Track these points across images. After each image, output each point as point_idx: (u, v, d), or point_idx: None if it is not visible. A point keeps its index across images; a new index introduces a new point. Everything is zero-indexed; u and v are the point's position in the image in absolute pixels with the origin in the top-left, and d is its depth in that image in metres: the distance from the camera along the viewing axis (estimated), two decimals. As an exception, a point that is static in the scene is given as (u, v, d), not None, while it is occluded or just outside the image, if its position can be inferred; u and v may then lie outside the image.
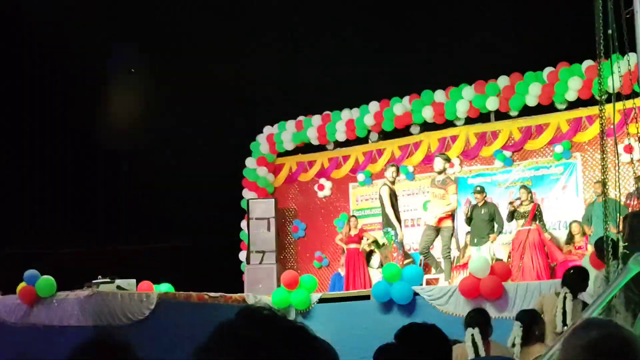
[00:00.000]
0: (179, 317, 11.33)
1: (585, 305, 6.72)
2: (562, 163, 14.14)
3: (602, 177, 6.15)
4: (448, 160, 13.47)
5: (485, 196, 13.44)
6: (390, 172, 13.32)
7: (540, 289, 10.51)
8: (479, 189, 13.46)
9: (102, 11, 16.74)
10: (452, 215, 12.84)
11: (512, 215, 13.00)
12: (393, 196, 13.12)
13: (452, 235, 12.88)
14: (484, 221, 13.11)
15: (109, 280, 11.52)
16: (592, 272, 8.71)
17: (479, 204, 13.28)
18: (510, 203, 13.05)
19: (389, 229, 12.93)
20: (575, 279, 7.00)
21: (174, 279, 13.88)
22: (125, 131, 17.45)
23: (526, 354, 6.52)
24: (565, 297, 6.70)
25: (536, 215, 12.90)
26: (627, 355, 2.22)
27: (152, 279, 13.37)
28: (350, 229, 14.51)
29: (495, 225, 13.15)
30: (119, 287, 11.42)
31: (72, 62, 16.68)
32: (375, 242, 14.61)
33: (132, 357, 2.41)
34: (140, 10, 16.71)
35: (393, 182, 13.30)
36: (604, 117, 6.13)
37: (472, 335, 6.58)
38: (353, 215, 15.11)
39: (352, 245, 14.28)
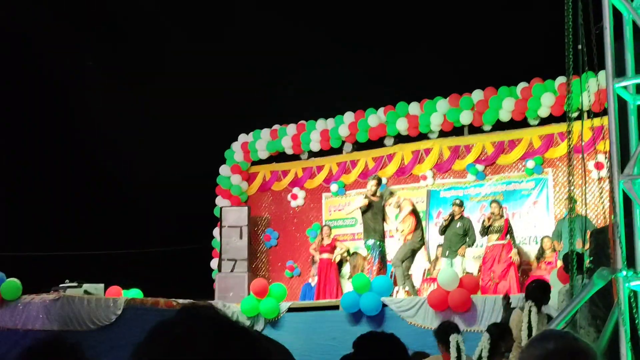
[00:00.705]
0: (146, 324, 11.14)
1: (550, 318, 6.75)
2: (533, 178, 14.23)
3: (569, 193, 6.21)
4: (379, 182, 13.59)
5: (463, 210, 13.52)
6: (372, 184, 13.35)
7: (513, 302, 10.54)
8: (458, 202, 13.53)
9: (78, 25, 16.66)
10: (415, 230, 12.91)
11: (486, 230, 13.04)
12: (373, 208, 13.11)
13: (413, 249, 12.90)
14: (458, 235, 13.17)
15: (76, 284, 11.40)
16: (559, 287, 8.77)
17: (456, 217, 13.34)
18: (488, 218, 13.09)
19: (369, 240, 12.99)
20: (538, 292, 7.04)
21: (145, 285, 13.78)
22: (97, 136, 17.34)
23: None
24: (530, 311, 6.73)
25: (508, 230, 12.99)
26: (582, 367, 2.23)
27: (123, 284, 13.27)
28: (322, 238, 14.50)
29: (467, 240, 13.22)
30: (86, 292, 11.31)
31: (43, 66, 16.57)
32: (347, 251, 14.63)
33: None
34: (117, 14, 16.65)
35: (374, 194, 13.29)
36: (572, 134, 6.18)
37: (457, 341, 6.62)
38: (326, 225, 15.10)
39: (325, 255, 14.26)
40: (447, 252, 13.15)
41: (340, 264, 14.53)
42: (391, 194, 13.53)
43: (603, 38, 5.76)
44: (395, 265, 12.91)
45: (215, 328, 1.31)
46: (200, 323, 1.30)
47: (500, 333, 6.87)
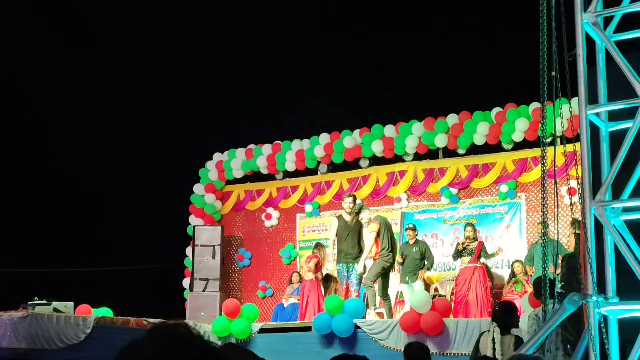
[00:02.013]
0: (115, 342, 11.08)
1: (518, 339, 6.78)
2: (506, 202, 14.32)
3: (542, 218, 6.25)
4: (355, 199, 13.55)
5: (417, 234, 13.52)
6: (347, 202, 13.26)
7: (480, 326, 10.57)
8: (412, 226, 13.55)
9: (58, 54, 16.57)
10: (382, 250, 12.89)
11: (459, 253, 13.05)
12: (349, 228, 13.03)
13: (383, 267, 12.85)
14: (415, 259, 13.16)
15: (45, 301, 11.25)
16: (529, 311, 8.80)
17: (410, 242, 13.35)
18: (462, 243, 13.10)
19: (338, 265, 12.90)
20: (502, 314, 7.07)
21: (116, 304, 13.64)
22: (69, 152, 17.22)
23: None
24: (494, 332, 6.77)
25: (481, 253, 13.03)
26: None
27: (93, 302, 13.13)
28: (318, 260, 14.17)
29: (426, 263, 13.23)
30: (55, 309, 11.15)
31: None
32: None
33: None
34: (94, 28, 16.60)
35: (350, 213, 13.23)
36: (545, 159, 6.23)
37: None
38: (319, 243, 14.79)
39: (310, 275, 13.90)
40: (407, 278, 13.13)
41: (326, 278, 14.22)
42: (362, 208, 13.44)
43: (576, 65, 5.83)
44: (367, 286, 12.85)
45: (187, 348, 1.29)
46: (172, 343, 1.29)
47: None
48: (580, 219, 6.01)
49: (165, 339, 1.29)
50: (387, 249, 12.91)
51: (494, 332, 6.68)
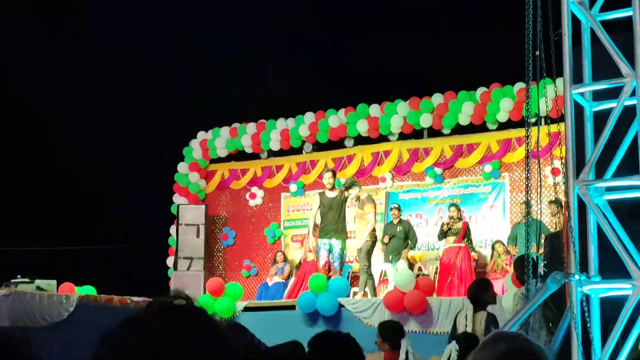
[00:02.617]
0: (98, 321, 11.05)
1: (490, 316, 6.83)
2: (490, 182, 14.37)
3: (526, 198, 6.27)
4: (335, 174, 13.31)
5: (401, 214, 13.54)
6: (327, 177, 12.91)
7: (464, 304, 10.61)
8: (396, 206, 13.58)
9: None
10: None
11: (444, 233, 13.09)
12: (332, 203, 12.72)
13: (370, 250, 12.84)
14: (400, 239, 13.19)
15: (28, 280, 11.20)
16: (514, 290, 8.85)
17: (395, 222, 13.37)
18: (447, 223, 13.13)
19: (321, 240, 12.74)
20: (477, 291, 7.12)
21: (99, 282, 13.60)
22: (52, 130, 17.08)
23: None
24: (467, 310, 6.83)
25: (466, 233, 13.08)
26: (533, 369, 2.24)
27: (76, 281, 13.08)
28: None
29: (409, 243, 13.26)
30: (38, 288, 11.12)
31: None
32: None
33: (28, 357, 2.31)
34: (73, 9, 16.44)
35: (332, 188, 12.87)
36: (530, 138, 6.24)
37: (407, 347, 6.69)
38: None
39: (312, 256, 13.59)
40: (390, 257, 13.16)
41: None
42: (353, 184, 12.90)
43: (562, 45, 5.82)
44: (363, 271, 12.75)
45: (184, 326, 1.27)
46: (168, 321, 1.26)
47: (469, 343, 6.92)
48: (562, 199, 6.04)
49: (163, 316, 1.26)
50: (374, 229, 12.95)
51: (467, 309, 6.74)
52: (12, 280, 11.28)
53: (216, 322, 1.33)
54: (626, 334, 5.39)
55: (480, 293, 7.07)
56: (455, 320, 7.28)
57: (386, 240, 13.20)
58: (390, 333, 6.99)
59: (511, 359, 2.22)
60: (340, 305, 11.85)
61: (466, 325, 6.74)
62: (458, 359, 6.59)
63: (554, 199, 10.16)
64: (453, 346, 6.69)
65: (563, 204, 6.15)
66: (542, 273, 6.73)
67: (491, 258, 13.30)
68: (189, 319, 1.28)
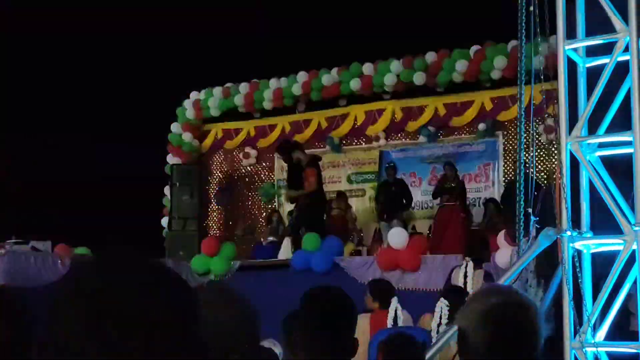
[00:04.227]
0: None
1: (488, 274, 6.89)
2: (484, 141, 14.37)
3: (518, 156, 6.29)
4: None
5: (396, 173, 13.58)
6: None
7: (463, 261, 10.68)
8: (392, 164, 13.60)
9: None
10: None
11: (439, 192, 13.12)
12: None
13: None
14: (395, 198, 13.24)
15: (22, 240, 11.24)
16: (507, 247, 8.92)
17: (390, 181, 13.40)
18: (440, 181, 13.17)
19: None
20: (475, 248, 7.19)
21: (94, 244, 13.61)
22: (48, 82, 16.96)
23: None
24: (467, 265, 6.89)
25: (460, 192, 13.10)
26: (524, 321, 2.26)
27: (71, 243, 13.10)
28: None
29: (404, 201, 13.31)
30: (33, 248, 11.15)
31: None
32: None
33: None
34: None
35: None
36: (523, 96, 6.24)
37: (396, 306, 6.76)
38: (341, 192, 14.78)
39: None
40: (385, 216, 13.23)
41: None
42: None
43: (555, 1, 5.79)
44: None
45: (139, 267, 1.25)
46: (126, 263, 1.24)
47: (457, 296, 7.00)
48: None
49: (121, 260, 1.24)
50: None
51: (466, 266, 6.79)
52: (7, 241, 11.32)
53: (190, 284, 1.29)
54: (617, 290, 5.45)
55: (484, 249, 7.13)
56: (449, 277, 7.35)
57: (381, 198, 13.26)
58: (380, 291, 7.07)
59: (502, 311, 2.25)
60: (334, 263, 11.92)
61: (465, 282, 6.80)
62: (449, 313, 6.66)
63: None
64: (442, 302, 6.77)
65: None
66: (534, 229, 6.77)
67: (484, 216, 13.35)
68: (142, 266, 1.26)
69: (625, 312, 6.00)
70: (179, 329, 1.19)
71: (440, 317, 6.79)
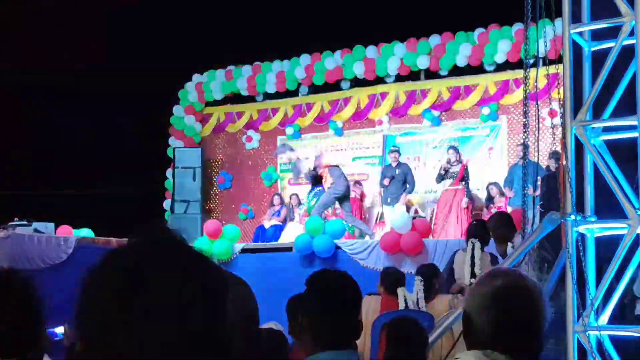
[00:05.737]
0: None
1: (493, 257, 6.89)
2: (488, 125, 14.33)
3: (523, 140, 6.26)
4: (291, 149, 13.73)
5: (399, 156, 13.57)
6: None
7: (460, 246, 10.69)
8: (395, 149, 13.61)
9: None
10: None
11: (442, 176, 13.11)
12: None
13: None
14: (398, 182, 13.25)
15: (25, 222, 11.25)
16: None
17: (393, 165, 13.40)
18: (445, 166, 13.14)
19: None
20: (479, 230, 7.18)
21: (97, 226, 13.64)
22: (44, 71, 16.92)
23: (430, 309, 6.73)
24: (473, 246, 6.87)
25: (464, 175, 13.08)
26: (528, 304, 2.26)
27: (74, 224, 13.12)
28: None
29: (407, 186, 13.31)
30: (36, 230, 11.17)
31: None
32: None
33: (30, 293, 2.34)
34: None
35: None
36: (528, 79, 6.20)
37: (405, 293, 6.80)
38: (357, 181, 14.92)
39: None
40: (389, 200, 13.25)
41: None
42: (290, 150, 13.75)
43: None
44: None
45: (179, 253, 1.26)
46: (160, 249, 1.25)
47: (432, 271, 7.12)
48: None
49: (153, 245, 1.25)
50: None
51: (473, 248, 6.77)
52: (10, 223, 11.33)
53: (208, 256, 1.32)
54: (620, 274, 5.44)
55: (487, 232, 7.12)
56: (452, 260, 7.36)
57: (386, 182, 13.26)
58: (386, 279, 7.17)
59: (507, 294, 2.25)
60: (337, 247, 11.94)
61: (473, 265, 6.81)
62: (425, 287, 6.80)
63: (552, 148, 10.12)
64: (417, 278, 6.93)
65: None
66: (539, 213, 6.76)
67: (486, 200, 13.34)
68: (180, 247, 1.28)
69: (631, 296, 6.00)
70: (211, 308, 1.22)
71: (417, 293, 6.95)
